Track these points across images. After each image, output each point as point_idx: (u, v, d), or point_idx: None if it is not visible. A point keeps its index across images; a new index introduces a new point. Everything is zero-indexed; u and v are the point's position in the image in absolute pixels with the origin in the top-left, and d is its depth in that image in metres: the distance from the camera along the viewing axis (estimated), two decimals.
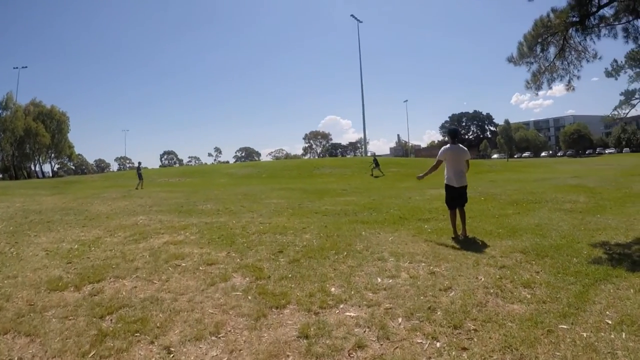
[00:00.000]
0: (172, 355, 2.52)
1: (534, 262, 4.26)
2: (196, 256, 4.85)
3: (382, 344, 2.58)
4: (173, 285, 3.82)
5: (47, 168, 63.93)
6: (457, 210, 5.77)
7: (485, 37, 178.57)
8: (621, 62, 9.58)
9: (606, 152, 70.29)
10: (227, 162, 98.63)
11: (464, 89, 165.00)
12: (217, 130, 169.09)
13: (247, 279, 3.97)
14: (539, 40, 5.97)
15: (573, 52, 6.03)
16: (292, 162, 47.47)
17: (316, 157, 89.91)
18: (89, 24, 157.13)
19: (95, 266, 4.50)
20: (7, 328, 2.91)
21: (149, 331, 2.82)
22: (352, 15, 64.20)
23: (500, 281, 3.68)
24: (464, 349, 2.49)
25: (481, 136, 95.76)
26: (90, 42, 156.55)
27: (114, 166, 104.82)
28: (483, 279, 3.77)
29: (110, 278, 4.07)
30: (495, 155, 78.25)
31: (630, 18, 5.69)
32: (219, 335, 2.76)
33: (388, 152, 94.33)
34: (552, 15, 5.72)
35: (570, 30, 5.82)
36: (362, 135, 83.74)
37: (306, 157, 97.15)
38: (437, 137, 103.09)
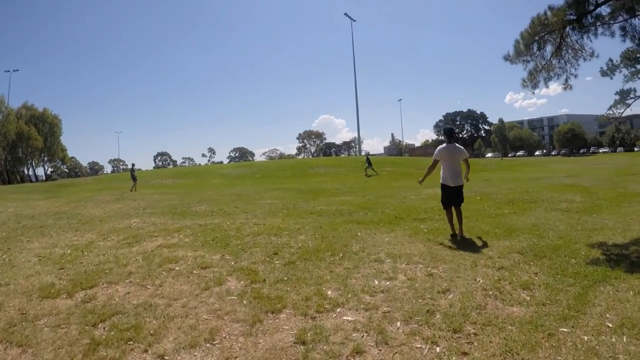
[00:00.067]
0: None
1: (532, 263, 4.21)
2: (190, 259, 4.77)
3: (380, 350, 2.53)
4: (167, 290, 3.75)
5: (40, 172, 63.49)
6: (454, 210, 5.74)
7: (480, 36, 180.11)
8: (616, 61, 9.60)
9: (600, 151, 71.01)
10: (221, 162, 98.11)
11: (458, 88, 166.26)
12: (211, 131, 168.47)
13: (242, 282, 3.90)
14: (536, 38, 5.94)
15: (570, 51, 6.01)
16: (286, 162, 47.39)
17: (310, 157, 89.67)
18: (81, 26, 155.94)
19: (88, 272, 4.42)
20: None
21: (143, 339, 2.75)
22: (345, 14, 64.39)
23: (499, 283, 3.64)
24: (465, 353, 2.44)
25: (475, 135, 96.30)
26: (82, 45, 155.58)
27: (108, 168, 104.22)
28: (481, 280, 3.73)
29: (103, 284, 3.99)
30: (489, 154, 78.82)
31: (627, 17, 5.69)
32: (214, 342, 2.69)
33: (382, 151, 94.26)
34: (549, 13, 5.70)
35: (567, 29, 5.80)
36: (356, 135, 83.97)
37: (300, 157, 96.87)
38: (432, 136, 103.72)
